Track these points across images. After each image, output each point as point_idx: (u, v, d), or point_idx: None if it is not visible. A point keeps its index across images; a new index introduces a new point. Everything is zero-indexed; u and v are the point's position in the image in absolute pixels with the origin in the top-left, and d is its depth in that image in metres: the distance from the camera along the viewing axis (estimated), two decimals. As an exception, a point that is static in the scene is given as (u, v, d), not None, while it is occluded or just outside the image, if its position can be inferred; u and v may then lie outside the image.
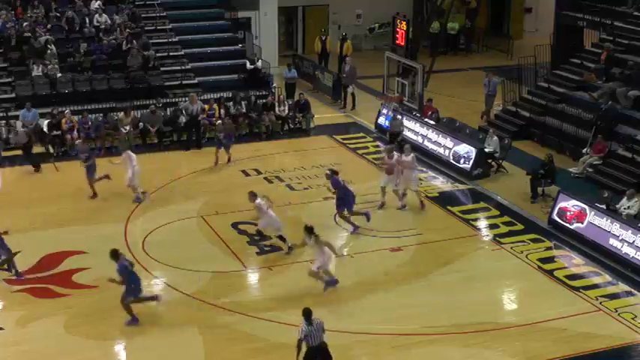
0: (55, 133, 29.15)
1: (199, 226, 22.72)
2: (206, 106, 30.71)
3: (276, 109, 31.52)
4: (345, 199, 22.44)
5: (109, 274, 19.42)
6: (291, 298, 18.88)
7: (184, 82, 33.22)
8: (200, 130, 29.78)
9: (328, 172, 22.88)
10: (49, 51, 32.23)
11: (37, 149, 29.12)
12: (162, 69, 33.26)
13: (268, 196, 21.49)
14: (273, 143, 30.20)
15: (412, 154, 24.12)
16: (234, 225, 22.50)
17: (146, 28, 35.12)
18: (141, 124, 29.93)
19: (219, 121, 28.06)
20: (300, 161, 28.24)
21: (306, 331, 14.81)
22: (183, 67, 33.94)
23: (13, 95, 31.25)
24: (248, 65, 34.10)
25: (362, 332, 17.47)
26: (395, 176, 23.91)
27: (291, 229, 22.02)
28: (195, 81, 33.41)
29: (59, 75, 31.76)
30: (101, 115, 30.22)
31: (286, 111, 31.58)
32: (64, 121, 29.07)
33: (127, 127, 29.47)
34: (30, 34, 33.12)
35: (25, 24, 33.44)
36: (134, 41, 33.24)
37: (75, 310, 18.37)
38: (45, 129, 29.36)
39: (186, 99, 30.54)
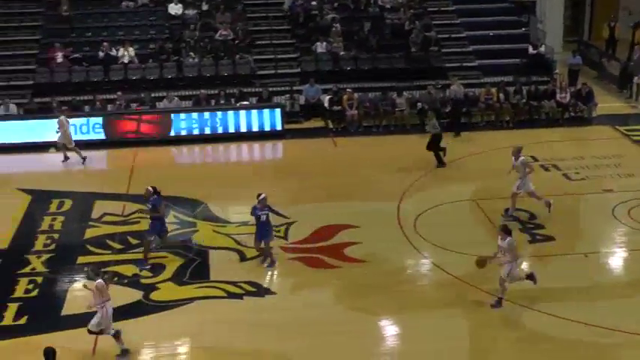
0: (335, 108, 29.93)
1: (471, 210, 22.52)
2: (482, 90, 30.52)
3: (557, 96, 30.61)
4: (155, 225, 19.63)
5: (379, 250, 19.86)
6: (559, 290, 18.29)
7: (464, 64, 33.04)
8: (457, 117, 29.51)
9: (150, 188, 19.63)
10: (333, 29, 33.09)
11: (317, 123, 30.11)
12: (443, 50, 33.23)
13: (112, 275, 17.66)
14: (551, 131, 29.45)
15: (521, 158, 21.95)
16: (507, 211, 22.08)
17: (429, 9, 35.22)
18: (419, 104, 30.07)
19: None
20: (579, 151, 27.29)
21: None
22: (464, 50, 33.75)
23: (298, 70, 32.39)
24: (530, 50, 33.35)
25: (634, 332, 16.60)
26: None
27: (563, 220, 21.45)
28: (476, 64, 33.12)
29: (342, 52, 32.54)
30: (380, 93, 30.66)
31: (567, 98, 30.60)
32: (345, 97, 29.76)
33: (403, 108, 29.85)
34: (317, 12, 34.16)
35: (313, 2, 34.54)
36: (417, 22, 33.42)
37: (344, 282, 18.74)
38: (326, 104, 30.24)
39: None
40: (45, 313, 17.48)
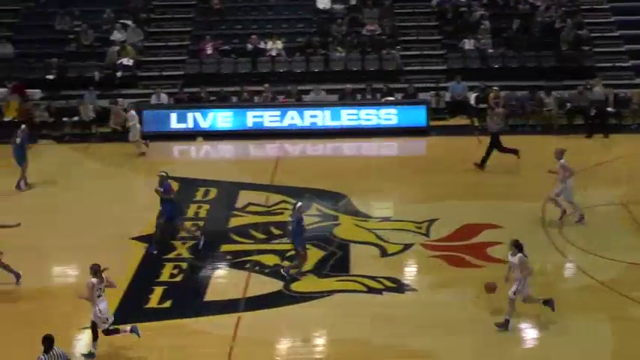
0: (481, 106, 29.55)
1: (619, 214, 21.82)
2: (635, 91, 29.79)
3: None
4: (167, 207, 20.06)
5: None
6: None
7: (617, 64, 32.06)
8: (603, 119, 28.65)
9: (163, 173, 20.29)
10: (482, 26, 32.68)
11: (462, 121, 29.79)
12: (595, 49, 32.32)
13: (107, 277, 15.79)
14: None
15: (561, 161, 21.03)
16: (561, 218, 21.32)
17: (582, 7, 34.30)
18: (568, 104, 29.38)
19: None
20: None
21: None
22: (617, 49, 32.74)
23: (445, 67, 32.12)
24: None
25: None
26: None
27: None
28: (629, 64, 32.10)
29: (491, 50, 32.09)
30: (528, 92, 30.10)
31: None
32: (491, 95, 29.31)
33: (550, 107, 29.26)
34: (465, 9, 33.78)
35: (462, -1, 34.23)
36: (568, 19, 32.62)
37: (486, 282, 18.42)
38: (472, 102, 29.89)
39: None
40: (188, 298, 17.87)
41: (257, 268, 19.11)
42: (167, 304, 17.56)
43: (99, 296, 15.41)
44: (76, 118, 29.73)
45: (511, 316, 16.34)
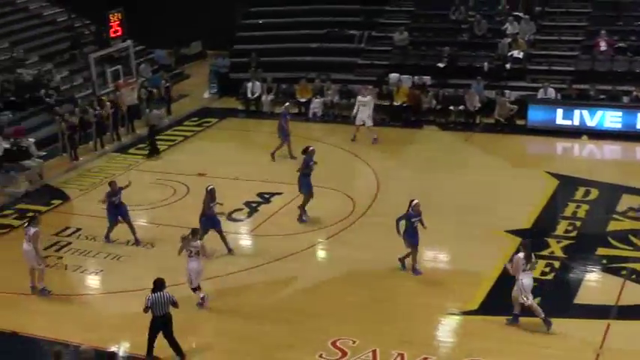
0: None
1: None
2: None
3: None
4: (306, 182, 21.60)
5: None
6: None
7: None
8: None
9: (311, 148, 21.98)
10: None
11: None
12: None
13: (203, 243, 17.73)
14: None
15: None
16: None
17: None
18: None
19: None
20: None
21: (152, 300, 15.08)
22: None
23: None
24: None
25: None
26: None
27: None
28: None
29: None
30: None
31: None
32: None
33: None
34: None
35: None
36: None
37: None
38: None
39: None
40: (557, 298, 17.46)
41: (633, 276, 18.21)
42: (535, 301, 17.28)
43: (190, 256, 17.15)
44: (461, 107, 30.13)
45: (540, 313, 16.12)
